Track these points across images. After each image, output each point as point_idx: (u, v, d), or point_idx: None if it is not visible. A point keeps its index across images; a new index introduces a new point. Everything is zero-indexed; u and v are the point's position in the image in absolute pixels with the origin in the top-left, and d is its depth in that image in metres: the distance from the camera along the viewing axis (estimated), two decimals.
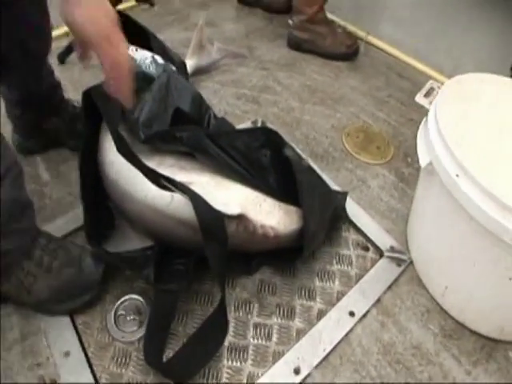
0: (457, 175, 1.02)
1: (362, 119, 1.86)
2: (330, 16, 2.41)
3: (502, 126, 1.13)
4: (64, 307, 1.10)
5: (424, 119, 1.23)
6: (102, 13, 0.91)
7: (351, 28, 2.46)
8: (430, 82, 2.15)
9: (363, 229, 1.39)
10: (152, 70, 1.32)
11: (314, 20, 2.18)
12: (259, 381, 1.06)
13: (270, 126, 1.70)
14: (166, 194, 1.05)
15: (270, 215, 1.12)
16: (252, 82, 1.97)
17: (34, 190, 1.39)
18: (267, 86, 1.97)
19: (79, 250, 1.12)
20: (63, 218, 1.30)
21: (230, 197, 1.09)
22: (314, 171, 1.31)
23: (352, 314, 1.19)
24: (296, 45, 2.27)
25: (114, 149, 1.00)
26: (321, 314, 1.18)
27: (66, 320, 1.11)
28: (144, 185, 1.04)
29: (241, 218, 1.07)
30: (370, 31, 2.40)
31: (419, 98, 2.03)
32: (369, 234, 1.38)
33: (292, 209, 1.16)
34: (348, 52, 2.24)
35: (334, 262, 1.32)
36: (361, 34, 2.41)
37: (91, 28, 0.90)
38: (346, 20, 2.50)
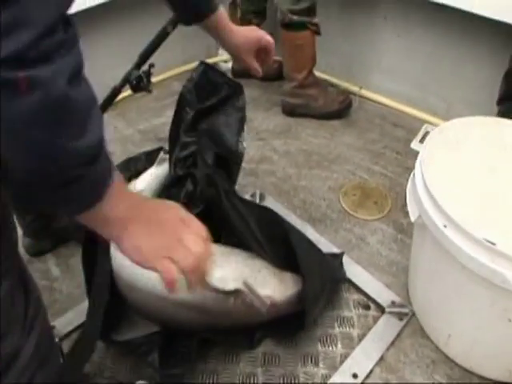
0: (444, 226, 1.06)
1: (359, 175, 1.91)
2: (321, 75, 2.51)
3: (489, 169, 1.17)
4: None
5: (412, 173, 1.27)
6: None
7: (344, 85, 2.53)
8: (425, 126, 2.19)
9: (363, 287, 1.42)
10: None
11: (304, 84, 2.27)
12: None
13: (268, 197, 1.77)
14: None
15: (266, 285, 1.16)
16: (249, 155, 2.04)
17: (44, 285, 1.46)
18: (264, 157, 2.04)
19: None
20: (73, 311, 1.36)
21: (226, 272, 1.15)
22: (307, 239, 1.36)
23: (355, 375, 1.21)
24: (290, 111, 2.35)
25: None
26: (324, 379, 1.21)
27: None
28: (144, 274, 1.08)
29: (238, 293, 1.11)
30: (362, 85, 2.47)
31: (415, 145, 2.07)
32: (369, 292, 1.41)
33: (287, 275, 1.22)
34: (341, 108, 2.30)
35: (336, 325, 1.35)
36: (354, 88, 2.49)
37: None
38: (338, 77, 2.58)
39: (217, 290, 1.10)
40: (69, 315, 1.36)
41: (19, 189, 0.64)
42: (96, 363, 1.26)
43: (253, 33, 1.33)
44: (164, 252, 0.73)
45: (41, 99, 0.53)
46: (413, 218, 1.20)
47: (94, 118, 0.63)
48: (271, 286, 1.17)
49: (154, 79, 2.56)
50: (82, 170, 0.63)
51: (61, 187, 0.62)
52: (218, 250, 1.20)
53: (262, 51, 1.35)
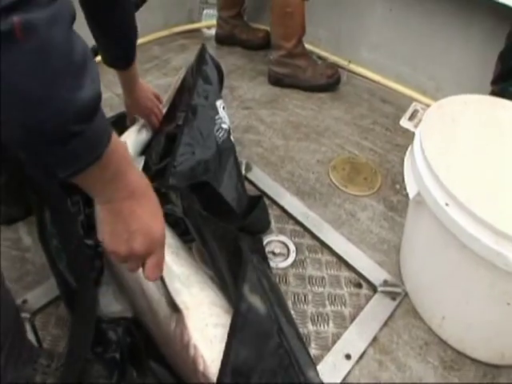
0: (446, 204, 1.01)
1: (348, 150, 1.86)
2: (310, 48, 2.44)
3: (488, 149, 1.14)
4: None
5: (409, 148, 1.23)
6: None
7: (333, 58, 2.48)
8: (414, 104, 2.15)
9: (355, 265, 1.38)
10: None
11: (293, 54, 2.20)
12: None
13: (254, 168, 1.70)
14: None
15: (210, 344, 0.96)
16: (235, 123, 1.97)
17: (15, 256, 1.37)
18: (250, 126, 1.97)
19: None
20: (47, 284, 1.26)
21: (187, 292, 1.04)
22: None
23: (348, 356, 1.16)
24: (277, 80, 2.28)
25: None
26: (317, 360, 1.16)
27: None
28: None
29: (180, 319, 0.99)
30: (351, 59, 2.41)
31: (404, 122, 2.03)
32: (361, 270, 1.36)
33: None
34: (329, 82, 2.25)
35: (327, 303, 1.30)
36: (343, 63, 2.43)
37: None
38: (327, 51, 2.52)
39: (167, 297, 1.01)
40: (41, 288, 1.27)
41: (19, 149, 0.63)
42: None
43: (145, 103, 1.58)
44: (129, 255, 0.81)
45: (37, 46, 0.53)
46: (411, 195, 1.15)
47: (90, 70, 0.62)
48: (214, 351, 0.94)
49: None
50: (80, 126, 0.62)
51: (59, 145, 0.61)
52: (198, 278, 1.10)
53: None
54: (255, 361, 0.90)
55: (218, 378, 0.85)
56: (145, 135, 1.60)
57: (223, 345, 0.90)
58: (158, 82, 2.28)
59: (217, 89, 1.56)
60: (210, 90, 1.53)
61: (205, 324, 0.98)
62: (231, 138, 1.54)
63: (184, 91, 1.60)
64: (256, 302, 0.98)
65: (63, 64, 0.57)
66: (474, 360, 1.19)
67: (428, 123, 1.21)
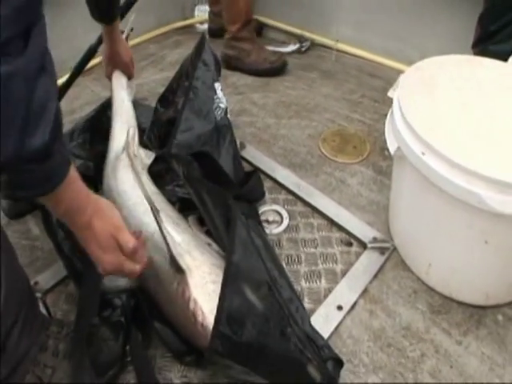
0: (422, 153, 1.08)
1: (338, 123, 1.92)
2: (296, 30, 2.54)
3: (460, 105, 1.18)
4: None
5: (390, 110, 1.29)
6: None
7: (320, 40, 2.54)
8: (401, 75, 2.18)
9: (345, 226, 1.44)
10: None
11: (237, 37, 2.32)
12: None
13: (248, 146, 1.77)
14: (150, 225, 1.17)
15: (208, 298, 1.03)
16: (229, 108, 2.01)
17: (26, 245, 1.46)
18: (244, 109, 2.04)
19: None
20: (55, 267, 1.35)
21: (188, 255, 1.12)
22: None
23: (340, 307, 1.23)
24: (225, 62, 2.37)
25: None
26: (310, 313, 1.22)
27: None
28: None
29: (183, 279, 1.06)
30: (338, 39, 2.47)
31: (391, 93, 2.07)
32: (351, 230, 1.43)
33: None
34: (272, 67, 2.33)
35: (319, 261, 1.36)
36: (330, 43, 2.49)
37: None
38: (314, 31, 2.58)
39: (170, 257, 1.09)
40: (50, 271, 1.36)
41: None
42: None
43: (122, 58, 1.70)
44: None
45: None
46: (392, 151, 1.21)
47: (47, 118, 0.71)
48: (213, 303, 0.97)
49: (131, 42, 2.59)
50: (30, 166, 0.72)
51: (12, 174, 0.73)
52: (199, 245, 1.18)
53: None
54: (248, 308, 0.96)
55: (214, 326, 0.91)
56: (131, 89, 1.75)
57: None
58: (155, 77, 2.37)
59: (215, 72, 1.65)
60: (209, 73, 1.63)
61: (204, 282, 1.06)
62: (228, 116, 1.63)
63: (181, 77, 1.70)
64: (246, 253, 1.06)
65: (15, 116, 0.65)
66: (460, 303, 1.25)
67: (406, 83, 1.26)
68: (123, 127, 1.50)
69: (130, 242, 0.96)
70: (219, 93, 1.62)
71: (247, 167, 1.68)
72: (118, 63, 1.70)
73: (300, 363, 0.97)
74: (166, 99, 1.73)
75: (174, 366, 1.13)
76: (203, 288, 1.05)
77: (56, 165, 0.78)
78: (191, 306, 1.03)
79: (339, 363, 1.05)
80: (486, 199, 0.98)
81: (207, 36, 2.68)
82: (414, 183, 1.20)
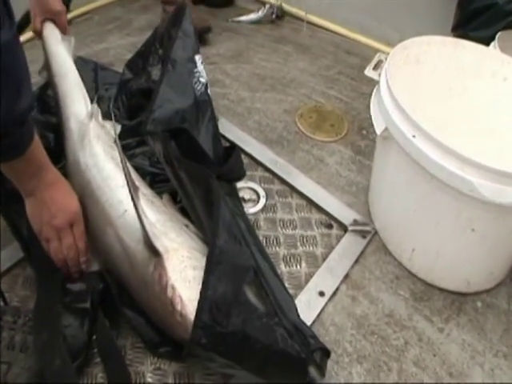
0: (413, 136, 1.03)
1: (314, 99, 1.86)
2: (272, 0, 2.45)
3: (450, 85, 1.16)
4: None
5: (376, 87, 1.24)
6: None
7: (290, 9, 2.47)
8: (378, 54, 2.12)
9: (325, 207, 1.39)
10: None
11: (166, 0, 2.23)
12: None
13: (221, 119, 1.68)
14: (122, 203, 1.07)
15: (188, 285, 0.95)
16: None
17: None
18: (216, 80, 1.95)
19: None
20: (10, 248, 1.22)
21: (165, 237, 1.03)
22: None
23: (322, 293, 1.18)
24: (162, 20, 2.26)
25: None
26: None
27: None
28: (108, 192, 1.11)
29: (159, 263, 0.98)
30: (313, 12, 2.39)
31: (368, 72, 2.01)
32: (331, 211, 1.38)
33: None
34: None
35: (299, 244, 1.31)
36: (301, 13, 2.41)
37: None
38: (286, 2, 2.49)
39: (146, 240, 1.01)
40: (5, 252, 1.22)
41: None
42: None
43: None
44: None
45: None
46: (379, 131, 1.16)
47: (27, 83, 0.80)
48: (193, 291, 0.92)
49: (96, 4, 2.46)
50: (13, 129, 0.79)
51: None
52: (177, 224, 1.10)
53: None
54: (233, 295, 0.89)
55: (196, 316, 0.84)
56: (69, 44, 1.46)
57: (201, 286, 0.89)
58: (121, 41, 2.25)
59: (195, 43, 1.54)
60: (189, 43, 1.51)
61: (183, 266, 0.97)
62: (208, 92, 1.53)
63: (155, 43, 1.61)
64: (231, 237, 0.97)
65: (8, 81, 0.74)
66: (442, 290, 1.22)
67: (394, 62, 1.21)
68: (75, 91, 1.32)
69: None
70: (199, 66, 1.52)
71: (223, 142, 1.59)
72: (48, 12, 1.40)
73: (288, 355, 0.90)
74: (135, 64, 1.63)
75: (146, 357, 1.06)
76: (182, 273, 0.96)
77: (30, 126, 0.86)
78: (169, 292, 0.94)
79: (326, 353, 0.99)
80: (478, 187, 0.94)
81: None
82: (400, 166, 1.15)
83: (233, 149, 1.45)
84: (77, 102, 1.29)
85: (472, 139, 1.01)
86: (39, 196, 0.99)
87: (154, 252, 0.98)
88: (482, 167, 0.93)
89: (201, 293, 0.85)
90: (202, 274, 0.90)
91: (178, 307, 0.92)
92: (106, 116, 1.34)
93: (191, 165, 1.13)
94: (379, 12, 2.22)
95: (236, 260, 0.95)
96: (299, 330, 0.98)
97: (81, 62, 1.68)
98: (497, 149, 1.05)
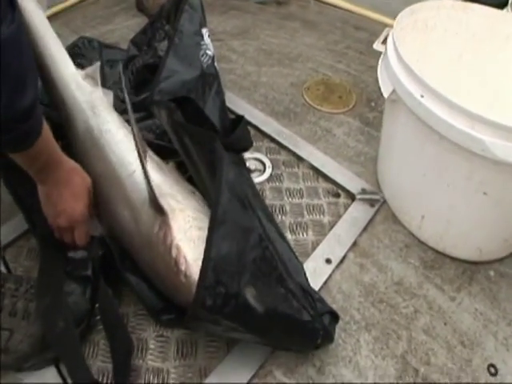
0: (421, 96, 0.99)
1: (322, 73, 1.82)
2: None
3: (460, 47, 1.12)
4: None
5: (383, 53, 1.20)
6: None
7: None
8: (387, 29, 2.10)
9: (332, 176, 1.36)
10: None
11: None
12: None
13: (227, 93, 1.65)
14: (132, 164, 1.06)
15: (193, 245, 0.94)
16: None
17: None
18: (222, 56, 1.92)
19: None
20: (15, 220, 1.21)
21: (171, 198, 1.01)
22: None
23: (328, 261, 1.15)
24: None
25: None
26: None
27: (52, 372, 0.96)
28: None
29: (165, 222, 0.96)
30: None
31: (377, 46, 1.99)
32: (338, 181, 1.34)
33: None
34: None
35: (305, 213, 1.28)
36: None
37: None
38: None
39: (151, 199, 0.99)
40: (10, 224, 1.22)
41: None
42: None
43: None
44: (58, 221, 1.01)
45: None
46: (386, 94, 1.13)
47: (31, 78, 0.78)
48: (197, 252, 0.91)
49: None
50: (14, 125, 0.76)
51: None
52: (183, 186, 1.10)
53: None
54: (238, 256, 0.86)
55: (200, 275, 0.81)
56: None
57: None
58: (127, 23, 2.22)
59: (202, 17, 1.54)
60: (196, 17, 1.51)
61: (189, 226, 0.96)
62: (215, 65, 1.51)
63: (161, 19, 1.59)
64: (234, 196, 0.93)
65: (8, 77, 0.71)
66: (453, 258, 1.19)
67: (401, 27, 1.18)
68: (56, 48, 1.20)
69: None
70: (206, 39, 1.51)
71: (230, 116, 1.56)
72: None
73: (296, 318, 0.87)
74: (140, 40, 1.61)
75: (149, 324, 1.04)
76: (187, 233, 0.95)
77: (35, 122, 0.82)
78: (173, 253, 0.93)
79: (335, 318, 0.97)
80: (490, 146, 0.90)
81: None
82: (409, 129, 1.11)
83: (240, 119, 1.42)
84: (70, 66, 1.24)
85: (483, 99, 0.98)
86: (47, 189, 0.98)
87: (160, 210, 0.97)
88: (494, 125, 0.89)
89: (205, 252, 0.83)
90: (206, 234, 0.87)
91: (183, 267, 0.91)
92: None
93: (195, 129, 1.10)
94: None
95: (240, 220, 0.91)
96: (307, 293, 0.95)
97: (83, 41, 1.66)
98: (510, 108, 1.01)
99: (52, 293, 0.97)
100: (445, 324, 1.07)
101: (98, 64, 1.24)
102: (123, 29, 2.15)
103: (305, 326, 0.89)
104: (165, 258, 0.94)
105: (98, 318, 1.03)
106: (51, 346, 0.92)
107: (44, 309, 0.94)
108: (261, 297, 0.85)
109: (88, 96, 1.19)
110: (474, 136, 0.91)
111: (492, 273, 1.17)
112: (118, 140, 1.12)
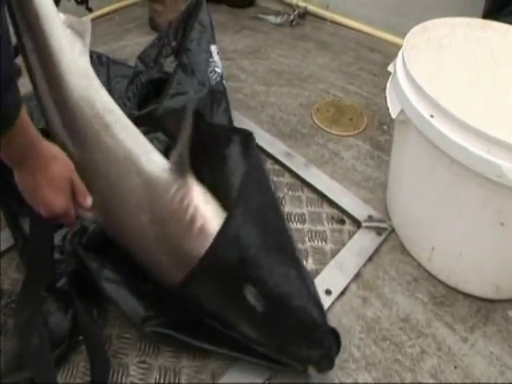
0: (431, 116, 0.92)
1: (333, 94, 1.76)
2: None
3: (475, 67, 1.06)
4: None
5: (392, 71, 1.14)
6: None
7: (314, 9, 2.37)
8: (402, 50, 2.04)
9: (338, 201, 1.28)
10: None
11: None
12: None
13: (234, 112, 1.59)
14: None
15: (210, 207, 0.97)
16: None
17: None
18: (231, 75, 1.87)
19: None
20: (6, 231, 1.17)
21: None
22: None
23: (328, 292, 1.07)
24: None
25: None
26: None
27: None
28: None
29: (182, 184, 0.96)
30: (331, 9, 2.31)
31: (392, 68, 1.91)
32: (344, 206, 1.27)
33: None
34: None
35: (307, 239, 1.21)
36: (323, 12, 2.34)
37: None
38: (310, 1, 2.39)
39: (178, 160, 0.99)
40: (3, 234, 1.19)
41: None
42: None
43: None
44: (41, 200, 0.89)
45: None
46: (394, 115, 1.06)
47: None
48: (216, 221, 0.93)
49: (117, 5, 2.44)
50: None
51: None
52: None
53: None
54: (258, 237, 0.89)
55: (223, 225, 0.86)
56: None
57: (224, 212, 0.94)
58: (139, 39, 2.21)
59: (211, 34, 1.52)
60: (205, 34, 1.49)
61: (208, 196, 0.99)
62: (224, 82, 1.48)
63: (168, 36, 1.56)
64: (261, 187, 0.97)
65: None
66: (466, 295, 1.10)
67: (413, 45, 1.13)
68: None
69: (86, 193, 0.96)
70: (215, 56, 1.48)
71: None
72: None
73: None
74: (147, 56, 1.59)
75: (131, 349, 0.99)
76: (206, 196, 0.98)
77: (10, 103, 0.74)
78: (190, 211, 0.94)
79: (338, 342, 0.91)
80: (507, 172, 0.82)
81: None
82: (419, 152, 1.04)
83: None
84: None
85: (500, 122, 0.90)
86: (23, 177, 0.89)
87: (182, 173, 0.97)
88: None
89: (221, 226, 0.86)
90: (223, 213, 0.95)
91: (199, 223, 0.92)
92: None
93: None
94: (404, 7, 2.10)
95: (263, 200, 0.96)
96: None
97: (92, 56, 1.62)
98: None
99: (30, 309, 0.94)
100: (455, 367, 0.97)
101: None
102: (134, 45, 2.13)
103: (315, 325, 0.89)
104: (179, 217, 0.94)
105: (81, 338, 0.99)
106: (25, 363, 0.90)
107: (21, 324, 0.92)
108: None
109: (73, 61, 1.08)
110: (489, 160, 0.83)
111: (511, 313, 1.08)
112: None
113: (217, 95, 1.41)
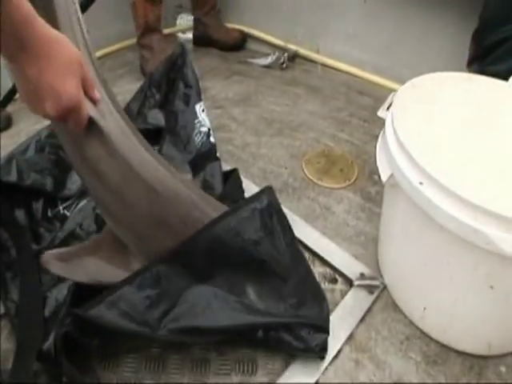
0: (420, 183, 0.93)
1: (323, 143, 1.78)
2: (281, 43, 2.44)
3: (464, 126, 1.05)
4: None
5: (382, 131, 1.15)
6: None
7: (304, 52, 2.42)
8: (392, 94, 2.05)
9: (329, 259, 1.29)
10: None
11: (140, 43, 2.36)
12: None
13: (224, 166, 1.62)
14: None
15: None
16: None
17: None
18: (221, 125, 1.89)
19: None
20: None
21: None
22: None
23: (321, 356, 1.07)
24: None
25: None
26: (286, 364, 1.06)
27: None
28: None
29: None
30: (325, 53, 2.35)
31: (382, 113, 1.92)
32: (336, 265, 1.27)
33: None
34: None
35: None
36: (312, 55, 2.40)
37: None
38: (298, 45, 2.45)
39: None
40: None
41: None
42: None
43: None
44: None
45: None
46: (384, 178, 1.07)
47: None
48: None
49: (107, 49, 2.47)
50: None
51: None
52: None
53: None
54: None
55: None
56: None
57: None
58: (130, 86, 2.21)
59: (196, 91, 1.57)
60: (191, 93, 1.55)
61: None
62: (211, 138, 1.53)
63: (150, 88, 1.65)
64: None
65: None
66: (459, 352, 1.10)
67: (401, 103, 1.13)
68: None
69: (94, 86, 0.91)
70: (200, 115, 1.53)
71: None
72: None
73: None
74: (129, 110, 1.65)
75: None
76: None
77: None
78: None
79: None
80: (495, 240, 0.83)
81: (191, 45, 2.59)
82: (408, 216, 1.05)
83: (232, 171, 1.44)
84: None
85: (489, 187, 0.90)
86: (22, 67, 0.77)
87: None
88: (500, 217, 0.82)
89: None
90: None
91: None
92: None
93: None
94: (391, 50, 2.16)
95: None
96: None
97: None
98: None
99: None
100: None
101: None
102: (125, 93, 2.13)
103: (323, 307, 1.08)
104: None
105: None
106: None
107: None
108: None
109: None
110: (477, 229, 0.85)
111: (503, 369, 1.08)
112: None
113: (203, 155, 1.48)
